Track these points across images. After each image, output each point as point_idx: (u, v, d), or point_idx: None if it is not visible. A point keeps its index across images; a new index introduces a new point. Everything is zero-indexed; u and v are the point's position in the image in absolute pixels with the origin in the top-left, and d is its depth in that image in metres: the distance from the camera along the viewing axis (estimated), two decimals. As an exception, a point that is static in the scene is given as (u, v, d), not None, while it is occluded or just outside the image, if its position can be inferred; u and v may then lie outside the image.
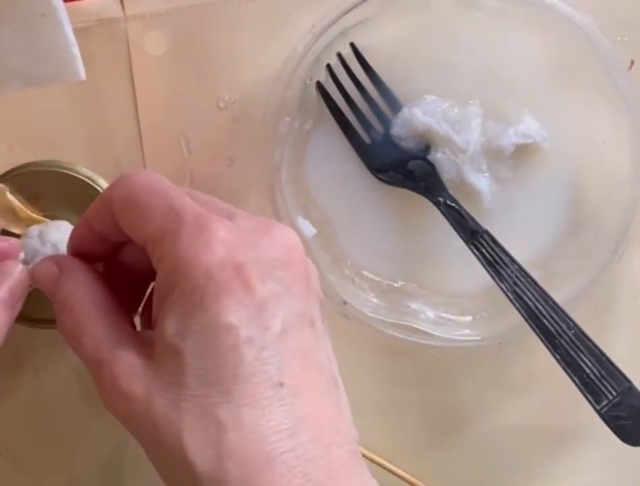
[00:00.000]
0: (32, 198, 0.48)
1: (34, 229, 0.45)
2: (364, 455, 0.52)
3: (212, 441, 0.34)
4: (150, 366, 0.36)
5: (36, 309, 0.48)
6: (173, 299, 0.36)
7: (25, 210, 0.47)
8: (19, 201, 0.47)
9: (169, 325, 0.36)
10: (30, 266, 0.43)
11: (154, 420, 0.35)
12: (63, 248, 0.45)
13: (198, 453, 0.34)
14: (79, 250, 0.41)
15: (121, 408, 0.37)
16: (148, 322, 0.40)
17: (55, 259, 0.41)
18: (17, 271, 0.42)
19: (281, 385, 0.35)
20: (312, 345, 0.37)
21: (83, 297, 0.39)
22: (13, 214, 0.47)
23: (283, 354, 0.35)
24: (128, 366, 0.37)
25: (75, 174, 0.49)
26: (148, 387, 0.36)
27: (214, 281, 0.35)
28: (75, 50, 0.46)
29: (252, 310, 0.35)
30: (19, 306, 0.42)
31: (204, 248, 0.36)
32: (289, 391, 0.35)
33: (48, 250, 0.45)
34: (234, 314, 0.35)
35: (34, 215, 0.47)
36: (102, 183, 0.49)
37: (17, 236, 0.46)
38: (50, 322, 0.49)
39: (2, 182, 0.47)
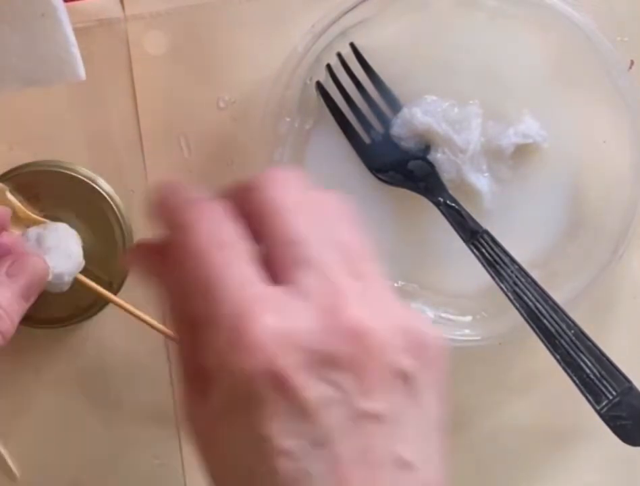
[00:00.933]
0: (32, 198, 0.48)
1: (32, 233, 0.45)
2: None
3: None
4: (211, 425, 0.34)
5: (36, 309, 0.48)
6: (213, 394, 0.33)
7: (25, 210, 0.47)
8: (19, 201, 0.47)
9: (210, 413, 0.34)
10: None
11: None
12: (59, 252, 0.45)
13: None
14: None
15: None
16: None
17: None
18: (38, 266, 0.42)
19: None
20: (372, 442, 0.32)
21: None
22: (13, 214, 0.47)
23: (327, 463, 0.32)
24: (195, 405, 0.35)
25: (75, 174, 0.49)
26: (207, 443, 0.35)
27: (244, 389, 0.32)
28: (75, 50, 0.46)
29: (292, 418, 0.32)
30: (32, 300, 0.43)
31: (234, 353, 0.32)
32: None
33: (45, 254, 0.45)
34: (267, 424, 0.32)
35: (34, 215, 0.47)
36: (102, 183, 0.49)
37: None
38: (51, 322, 0.49)
39: (2, 182, 0.48)
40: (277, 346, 0.32)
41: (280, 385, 0.32)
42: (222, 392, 0.33)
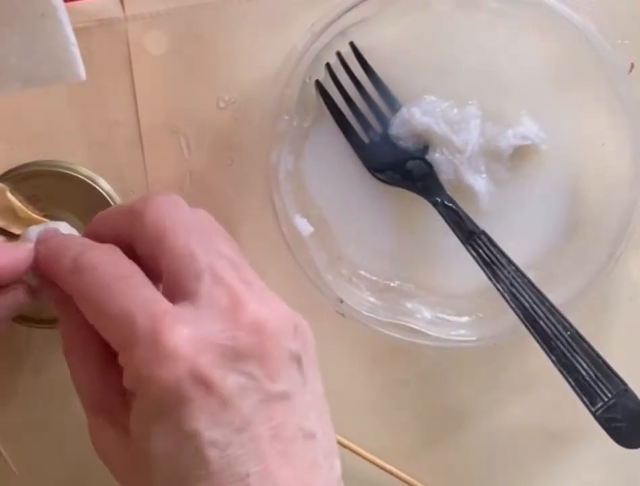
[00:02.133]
0: (32, 198, 0.48)
1: (33, 231, 0.46)
2: (360, 455, 0.52)
3: None
4: (126, 448, 0.38)
5: (36, 309, 0.49)
6: (137, 404, 0.37)
7: (26, 210, 0.47)
8: (19, 201, 0.48)
9: (134, 426, 0.37)
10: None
11: None
12: None
13: None
14: None
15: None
16: None
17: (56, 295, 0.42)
18: (18, 297, 0.43)
19: (247, 475, 0.36)
20: (282, 419, 0.37)
21: (77, 347, 0.41)
22: (13, 214, 0.47)
23: (249, 445, 0.36)
24: (108, 440, 0.39)
25: (75, 174, 0.49)
26: (123, 471, 0.39)
27: (172, 394, 0.36)
28: (75, 50, 0.46)
29: (215, 410, 0.36)
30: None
31: (158, 365, 0.36)
32: (257, 477, 0.36)
33: None
34: (195, 420, 0.36)
35: (34, 215, 0.47)
36: (102, 183, 0.50)
37: (17, 236, 0.46)
38: (51, 322, 0.49)
39: (2, 182, 0.48)
40: (195, 350, 0.36)
41: (202, 382, 0.36)
42: (148, 401, 0.36)
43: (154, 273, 0.39)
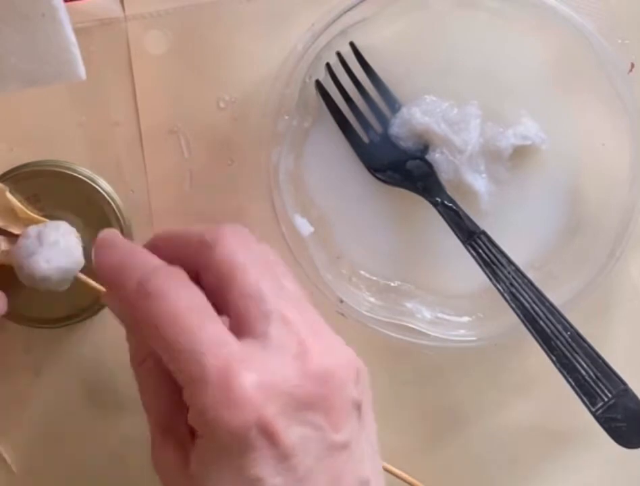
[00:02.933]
0: (31, 198, 0.48)
1: (33, 230, 0.46)
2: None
3: None
4: (185, 476, 0.38)
5: (36, 309, 0.49)
6: (201, 443, 0.37)
7: (25, 210, 0.47)
8: (19, 201, 0.48)
9: (195, 464, 0.37)
10: (27, 266, 0.44)
11: None
12: (59, 249, 0.45)
13: None
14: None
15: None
16: None
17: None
18: None
19: None
20: (341, 469, 0.37)
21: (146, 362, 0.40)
22: (12, 214, 0.47)
23: None
24: (169, 462, 0.39)
25: (75, 174, 0.49)
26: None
27: (238, 441, 0.35)
28: (76, 50, 0.46)
29: (278, 460, 0.36)
30: None
31: (227, 410, 0.35)
32: None
33: (45, 251, 0.45)
34: (258, 467, 0.36)
35: (34, 215, 0.47)
36: (102, 183, 0.50)
37: (17, 236, 0.46)
38: (51, 322, 0.49)
39: (2, 182, 0.48)
40: (263, 398, 0.36)
41: (267, 432, 0.36)
42: (213, 443, 0.36)
43: (217, 305, 0.38)
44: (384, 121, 0.51)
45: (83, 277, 0.47)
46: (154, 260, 0.39)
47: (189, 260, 0.39)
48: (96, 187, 0.49)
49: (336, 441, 0.37)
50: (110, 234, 0.41)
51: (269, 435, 0.35)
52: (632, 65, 0.51)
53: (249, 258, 0.39)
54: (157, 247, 0.41)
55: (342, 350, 0.39)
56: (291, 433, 0.36)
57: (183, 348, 0.36)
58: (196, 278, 0.39)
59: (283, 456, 0.36)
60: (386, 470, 0.52)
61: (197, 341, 0.36)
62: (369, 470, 0.39)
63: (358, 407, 0.38)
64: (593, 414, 0.48)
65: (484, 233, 0.50)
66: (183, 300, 0.37)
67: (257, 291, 0.38)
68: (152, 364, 0.40)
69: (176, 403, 0.39)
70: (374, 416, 0.41)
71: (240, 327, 0.37)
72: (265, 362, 0.36)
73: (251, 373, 0.36)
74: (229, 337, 0.37)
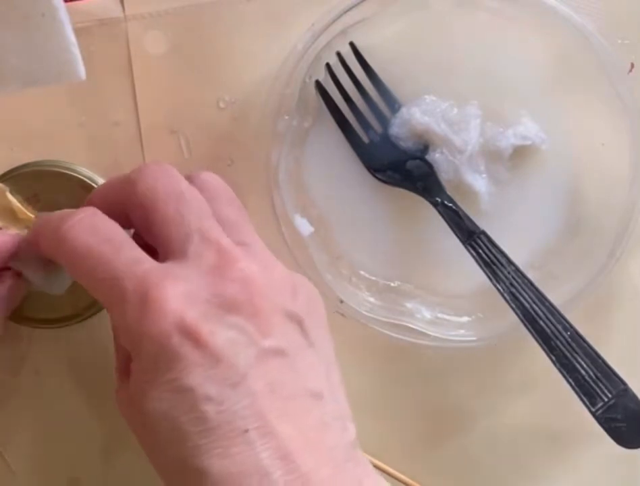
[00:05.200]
0: (31, 198, 0.48)
1: None
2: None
3: None
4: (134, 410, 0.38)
5: (36, 309, 0.49)
6: (133, 366, 0.38)
7: (25, 211, 0.47)
8: (19, 201, 0.48)
9: (133, 390, 0.38)
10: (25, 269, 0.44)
11: None
12: None
13: None
14: None
15: None
16: None
17: None
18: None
19: (246, 431, 0.36)
20: (279, 376, 0.38)
21: None
22: (12, 215, 0.47)
23: (245, 399, 0.36)
24: (123, 403, 0.39)
25: (75, 174, 0.49)
26: (137, 433, 0.39)
27: (162, 349, 0.36)
28: (76, 50, 0.46)
29: (208, 366, 0.36)
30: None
31: (148, 321, 0.36)
32: (257, 433, 0.36)
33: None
34: (189, 376, 0.36)
35: (34, 217, 0.47)
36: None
37: None
38: (51, 322, 0.49)
39: (2, 182, 0.48)
40: (182, 304, 0.37)
41: (191, 336, 0.36)
42: (142, 360, 0.37)
43: (149, 245, 0.40)
44: (384, 121, 0.51)
45: None
46: (66, 210, 0.41)
47: (118, 202, 0.41)
48: (96, 187, 0.49)
49: (266, 346, 0.37)
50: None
51: (193, 339, 0.36)
52: (632, 65, 0.51)
53: (172, 188, 0.40)
54: (93, 201, 0.42)
55: (273, 264, 0.40)
56: (216, 335, 0.36)
57: (102, 277, 0.38)
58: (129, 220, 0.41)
59: (211, 360, 0.36)
60: (383, 470, 0.52)
61: (113, 267, 0.38)
62: (320, 384, 0.39)
63: (295, 319, 0.39)
64: (593, 414, 0.48)
65: (484, 233, 0.50)
66: (93, 235, 0.39)
67: (177, 215, 0.39)
68: None
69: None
70: (328, 335, 0.41)
71: (163, 255, 0.39)
72: (182, 274, 0.38)
73: (168, 284, 0.37)
74: (145, 258, 0.38)
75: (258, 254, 0.40)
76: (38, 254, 0.43)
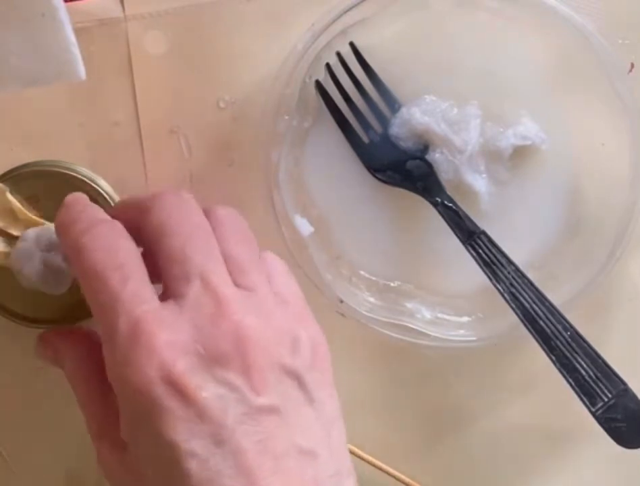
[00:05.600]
0: (31, 198, 0.48)
1: (31, 233, 0.46)
2: (360, 457, 0.52)
3: None
4: (124, 464, 0.38)
5: (36, 309, 0.49)
6: (121, 406, 0.37)
7: (25, 211, 0.47)
8: (19, 201, 0.48)
9: (123, 431, 0.37)
10: (25, 268, 0.44)
11: None
12: (58, 253, 0.45)
13: None
14: None
15: None
16: None
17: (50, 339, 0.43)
18: None
19: None
20: (271, 434, 0.36)
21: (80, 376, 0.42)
22: (12, 215, 0.47)
23: (232, 459, 0.35)
24: (111, 463, 0.39)
25: (75, 174, 0.49)
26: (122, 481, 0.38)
27: (145, 399, 0.35)
28: (75, 50, 0.46)
29: (193, 421, 0.35)
30: None
31: (133, 365, 0.35)
32: None
33: (43, 254, 0.45)
34: (172, 429, 0.35)
35: (34, 217, 0.47)
36: (103, 184, 0.49)
37: (16, 238, 0.46)
38: (50, 322, 0.49)
39: (2, 182, 0.48)
40: (170, 353, 0.35)
41: (176, 388, 0.35)
42: (125, 405, 0.36)
43: (156, 272, 0.39)
44: (384, 121, 0.51)
45: None
46: (98, 215, 0.41)
47: (133, 224, 0.40)
48: (96, 187, 0.49)
49: (258, 404, 0.36)
50: (75, 195, 0.43)
51: (178, 392, 0.35)
52: (632, 65, 0.51)
53: (182, 221, 0.39)
54: (115, 213, 0.42)
55: (277, 315, 0.39)
56: (205, 390, 0.35)
57: (102, 303, 0.37)
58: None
59: (197, 416, 0.35)
60: (381, 469, 0.52)
61: (114, 298, 0.37)
62: (316, 441, 0.38)
63: (293, 375, 0.38)
64: (593, 414, 0.48)
65: (484, 233, 0.50)
66: (109, 257, 0.38)
67: (181, 254, 0.38)
68: (84, 377, 0.41)
69: (108, 404, 0.39)
70: (333, 390, 0.40)
71: (165, 291, 0.38)
72: (177, 322, 0.36)
73: (160, 331, 0.36)
74: (150, 297, 0.37)
75: (261, 302, 0.39)
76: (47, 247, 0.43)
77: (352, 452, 0.52)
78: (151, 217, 0.39)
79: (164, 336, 0.36)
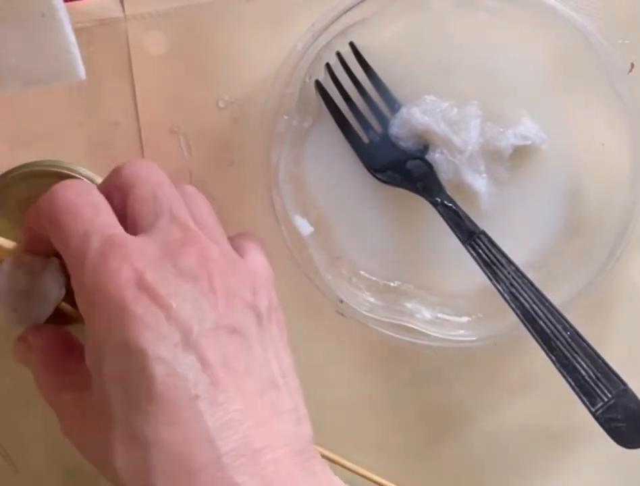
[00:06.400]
0: (31, 199, 0.48)
1: (4, 268, 0.43)
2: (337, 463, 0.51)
3: (139, 462, 0.35)
4: (84, 400, 0.38)
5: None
6: (88, 327, 0.37)
7: (5, 240, 0.45)
8: (19, 201, 0.48)
9: (88, 355, 0.38)
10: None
11: (91, 457, 0.39)
12: (32, 298, 0.44)
13: (128, 476, 0.36)
14: (31, 247, 0.43)
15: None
16: None
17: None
18: None
19: (196, 397, 0.35)
20: (234, 354, 0.37)
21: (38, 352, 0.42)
22: None
23: (197, 365, 0.36)
24: (65, 408, 0.40)
25: (75, 174, 0.49)
26: (83, 426, 0.39)
27: (117, 306, 0.36)
28: (75, 50, 0.46)
29: (161, 327, 0.36)
30: None
31: (107, 273, 0.36)
32: (207, 402, 0.36)
33: (15, 299, 0.44)
34: (141, 335, 0.35)
35: (7, 246, 0.45)
36: (102, 183, 0.49)
37: None
38: (50, 322, 0.49)
39: (2, 182, 0.48)
40: (142, 263, 0.37)
41: (148, 293, 0.36)
42: (95, 320, 0.37)
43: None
44: (384, 121, 0.51)
45: (65, 306, 0.46)
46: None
47: (105, 192, 0.41)
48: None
49: (223, 322, 0.37)
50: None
51: (150, 298, 0.36)
52: (632, 65, 0.51)
53: (153, 175, 0.41)
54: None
55: (240, 269, 0.40)
56: (174, 300, 0.36)
57: (75, 232, 0.38)
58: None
59: (166, 321, 0.36)
60: (338, 463, 0.52)
61: (87, 224, 0.38)
62: (274, 375, 0.39)
63: (254, 311, 0.39)
64: (593, 414, 0.48)
65: (484, 233, 0.50)
66: (82, 196, 0.39)
67: (151, 197, 0.40)
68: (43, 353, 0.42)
69: (67, 359, 0.41)
70: (288, 349, 0.41)
71: (132, 229, 0.39)
72: (147, 242, 0.38)
73: (131, 244, 0.37)
74: (119, 227, 0.39)
75: (224, 250, 0.40)
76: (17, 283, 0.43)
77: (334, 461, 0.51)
78: (122, 171, 0.41)
79: (136, 248, 0.37)
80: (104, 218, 0.39)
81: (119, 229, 0.39)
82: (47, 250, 0.43)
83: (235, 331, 0.38)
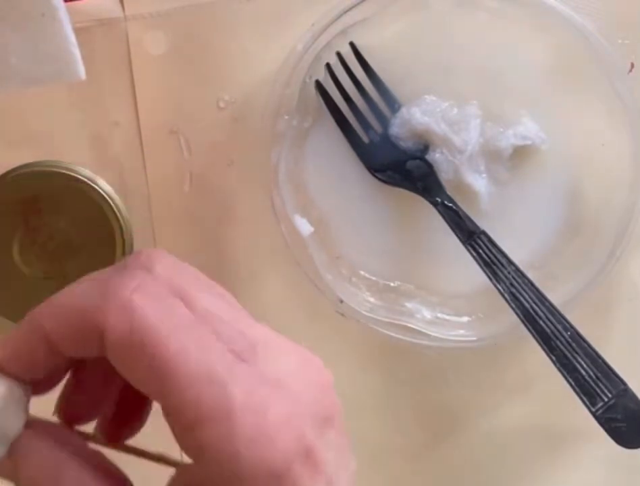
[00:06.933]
0: (31, 199, 0.48)
1: None
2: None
3: None
4: None
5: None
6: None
7: None
8: (19, 201, 0.48)
9: None
10: None
11: None
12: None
13: None
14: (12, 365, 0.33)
15: None
16: (112, 436, 0.37)
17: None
18: None
19: None
20: None
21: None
22: None
23: None
24: None
25: (75, 174, 0.49)
26: None
27: (287, 469, 0.30)
28: (75, 50, 0.46)
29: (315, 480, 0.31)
30: None
31: (267, 447, 0.30)
32: None
33: None
34: None
35: None
36: (103, 184, 0.49)
37: None
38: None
39: (2, 182, 0.48)
40: (299, 420, 0.31)
41: (311, 461, 0.31)
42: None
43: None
44: (384, 121, 0.51)
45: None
46: None
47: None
48: (96, 187, 0.49)
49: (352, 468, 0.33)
50: None
51: (313, 465, 0.31)
52: (632, 65, 0.51)
53: (163, 320, 0.31)
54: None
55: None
56: (328, 455, 0.31)
57: (192, 372, 0.30)
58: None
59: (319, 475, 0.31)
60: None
61: (213, 365, 0.30)
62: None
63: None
64: (593, 414, 0.48)
65: (484, 233, 0.50)
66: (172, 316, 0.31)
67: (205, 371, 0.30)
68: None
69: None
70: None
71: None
72: (275, 392, 0.31)
73: (282, 396, 0.31)
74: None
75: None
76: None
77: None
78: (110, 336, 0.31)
79: (286, 409, 0.31)
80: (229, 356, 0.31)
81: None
82: (31, 372, 0.33)
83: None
